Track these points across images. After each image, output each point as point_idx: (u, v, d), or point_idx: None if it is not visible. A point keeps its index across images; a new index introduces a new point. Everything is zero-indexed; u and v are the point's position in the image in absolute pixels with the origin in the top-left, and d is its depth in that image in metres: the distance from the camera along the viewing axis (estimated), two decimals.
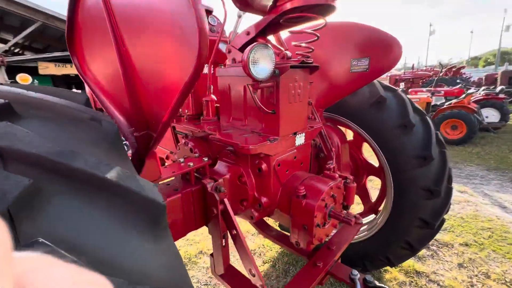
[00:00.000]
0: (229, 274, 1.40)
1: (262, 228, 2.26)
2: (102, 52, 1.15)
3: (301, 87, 1.39)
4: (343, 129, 2.22)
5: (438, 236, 2.97)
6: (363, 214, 2.43)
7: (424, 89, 9.66)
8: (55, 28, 11.48)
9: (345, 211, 1.44)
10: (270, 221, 2.67)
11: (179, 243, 2.89)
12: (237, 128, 1.51)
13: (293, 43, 1.44)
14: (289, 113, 1.37)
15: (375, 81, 1.97)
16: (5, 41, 11.65)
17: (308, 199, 1.26)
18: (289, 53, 1.41)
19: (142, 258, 0.48)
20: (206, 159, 1.34)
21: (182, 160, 1.33)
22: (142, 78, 1.02)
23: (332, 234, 1.76)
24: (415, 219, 1.86)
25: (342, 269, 1.54)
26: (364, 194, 2.46)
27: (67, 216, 0.44)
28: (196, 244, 2.91)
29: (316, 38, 1.40)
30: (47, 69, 12.53)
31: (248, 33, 1.36)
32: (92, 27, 1.18)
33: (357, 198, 2.24)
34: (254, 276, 1.19)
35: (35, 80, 11.62)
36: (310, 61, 1.43)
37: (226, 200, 1.22)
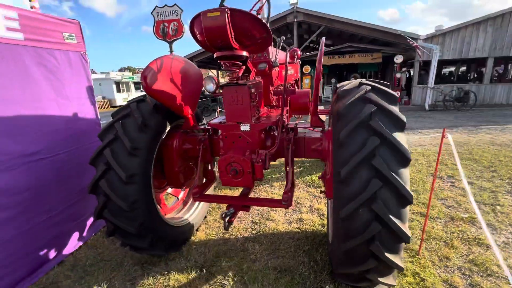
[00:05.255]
0: None
1: None
2: None
3: (241, 96, 2.19)
4: None
5: None
6: None
7: None
8: (335, 29, 14.92)
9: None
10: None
11: None
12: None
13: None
14: (231, 110, 2.27)
15: None
16: (305, 40, 17.17)
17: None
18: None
19: None
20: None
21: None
22: None
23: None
24: None
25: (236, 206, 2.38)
26: None
27: None
28: None
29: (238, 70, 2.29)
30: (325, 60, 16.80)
31: None
32: None
33: None
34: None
35: (312, 69, 16.31)
36: (236, 82, 2.23)
37: (203, 145, 2.62)
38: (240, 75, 2.31)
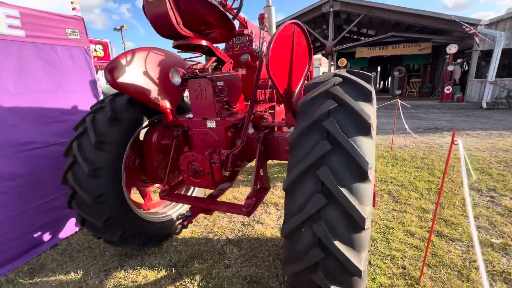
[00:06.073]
0: None
1: None
2: None
3: (204, 89, 1.99)
4: None
5: None
6: None
7: None
8: (376, 17, 13.58)
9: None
10: None
11: None
12: None
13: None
14: (197, 104, 2.09)
15: None
16: (343, 31, 16.00)
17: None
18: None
19: None
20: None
21: None
22: None
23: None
24: None
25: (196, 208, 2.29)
26: None
27: None
28: None
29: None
30: (361, 53, 15.50)
31: None
32: None
33: None
34: None
35: (348, 63, 15.17)
36: (197, 74, 2.04)
37: (176, 141, 2.50)
38: (207, 66, 2.12)
